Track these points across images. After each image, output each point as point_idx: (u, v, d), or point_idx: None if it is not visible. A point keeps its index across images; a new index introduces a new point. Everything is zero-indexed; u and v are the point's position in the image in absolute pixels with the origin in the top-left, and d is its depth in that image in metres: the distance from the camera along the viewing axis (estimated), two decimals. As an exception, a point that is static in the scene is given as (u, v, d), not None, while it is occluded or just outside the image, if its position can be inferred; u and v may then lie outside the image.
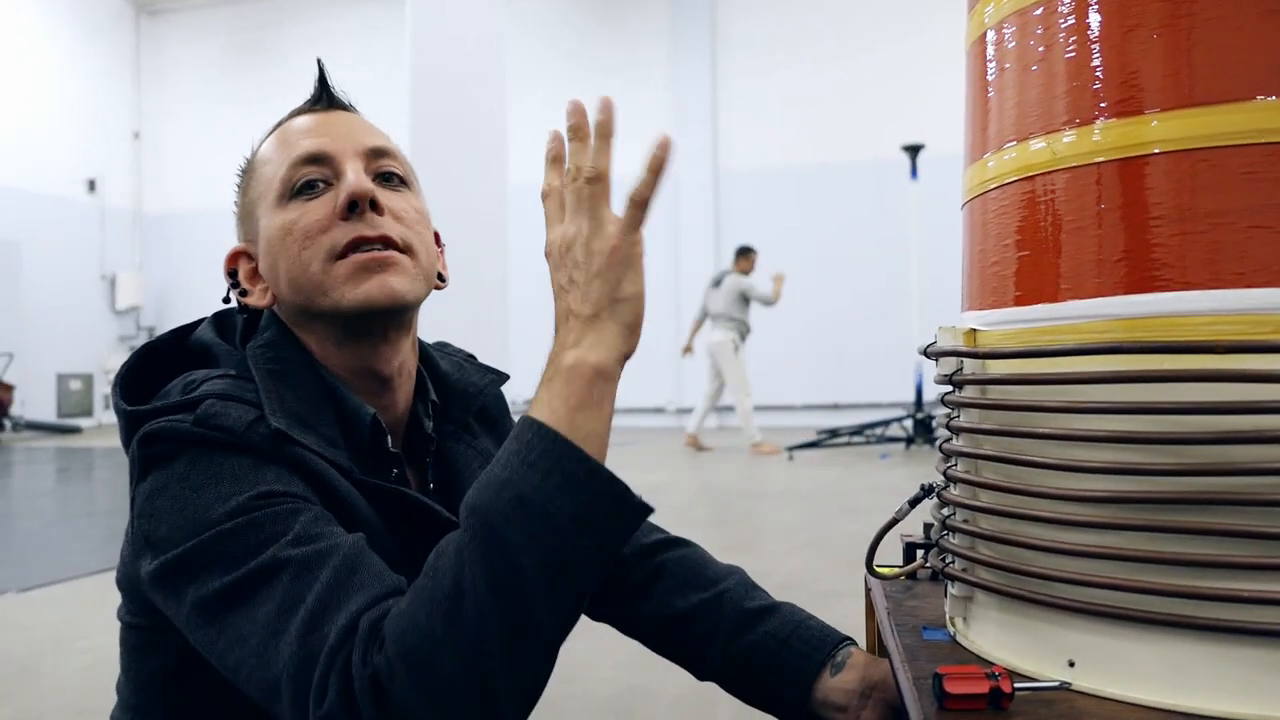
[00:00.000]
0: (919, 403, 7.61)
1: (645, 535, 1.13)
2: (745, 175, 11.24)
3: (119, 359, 13.91)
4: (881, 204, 10.16)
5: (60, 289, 13.57)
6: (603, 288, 0.69)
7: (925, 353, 0.87)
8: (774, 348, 10.70)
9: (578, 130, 0.72)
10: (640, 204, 0.70)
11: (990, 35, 0.83)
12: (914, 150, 7.64)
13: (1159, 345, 0.66)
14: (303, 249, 0.85)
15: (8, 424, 13.32)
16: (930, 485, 0.93)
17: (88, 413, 13.89)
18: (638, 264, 0.70)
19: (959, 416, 0.81)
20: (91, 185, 13.99)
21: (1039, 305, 0.75)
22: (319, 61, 0.97)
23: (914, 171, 7.69)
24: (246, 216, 0.93)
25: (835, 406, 10.47)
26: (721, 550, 1.23)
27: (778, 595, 1.07)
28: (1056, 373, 0.71)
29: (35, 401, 13.50)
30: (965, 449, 0.79)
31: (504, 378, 1.07)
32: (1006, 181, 0.79)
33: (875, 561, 0.97)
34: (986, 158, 0.83)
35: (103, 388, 14.13)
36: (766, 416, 10.67)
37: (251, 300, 0.92)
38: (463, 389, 1.01)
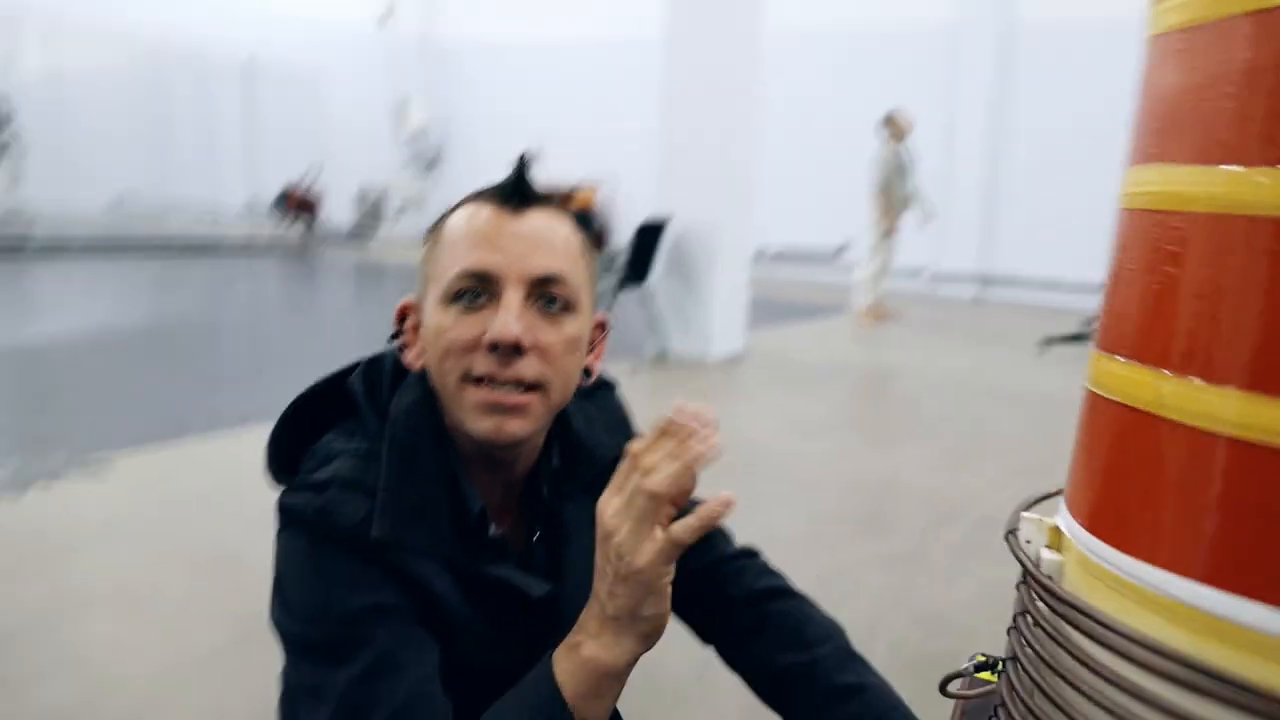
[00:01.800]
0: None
1: (756, 580, 1.12)
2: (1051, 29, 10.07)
3: (408, 179, 15.07)
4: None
5: (356, 113, 14.75)
6: (626, 600, 0.71)
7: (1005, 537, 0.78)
8: (1047, 216, 9.89)
9: (675, 432, 0.72)
10: (678, 544, 0.70)
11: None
12: None
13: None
14: (444, 359, 0.88)
15: (315, 229, 14.95)
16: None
17: (379, 225, 15.27)
18: (662, 591, 0.72)
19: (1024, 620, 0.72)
20: (384, 17, 14.83)
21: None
22: (522, 157, 0.96)
23: None
24: (422, 281, 0.96)
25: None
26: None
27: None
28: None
29: (336, 212, 15.02)
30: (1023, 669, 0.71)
31: (630, 437, 1.08)
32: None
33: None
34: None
35: (394, 203, 15.42)
36: (1036, 295, 10.01)
37: (407, 358, 0.96)
38: (589, 450, 1.03)
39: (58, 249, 11.14)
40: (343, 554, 0.85)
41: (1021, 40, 10.17)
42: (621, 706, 0.93)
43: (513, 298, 0.87)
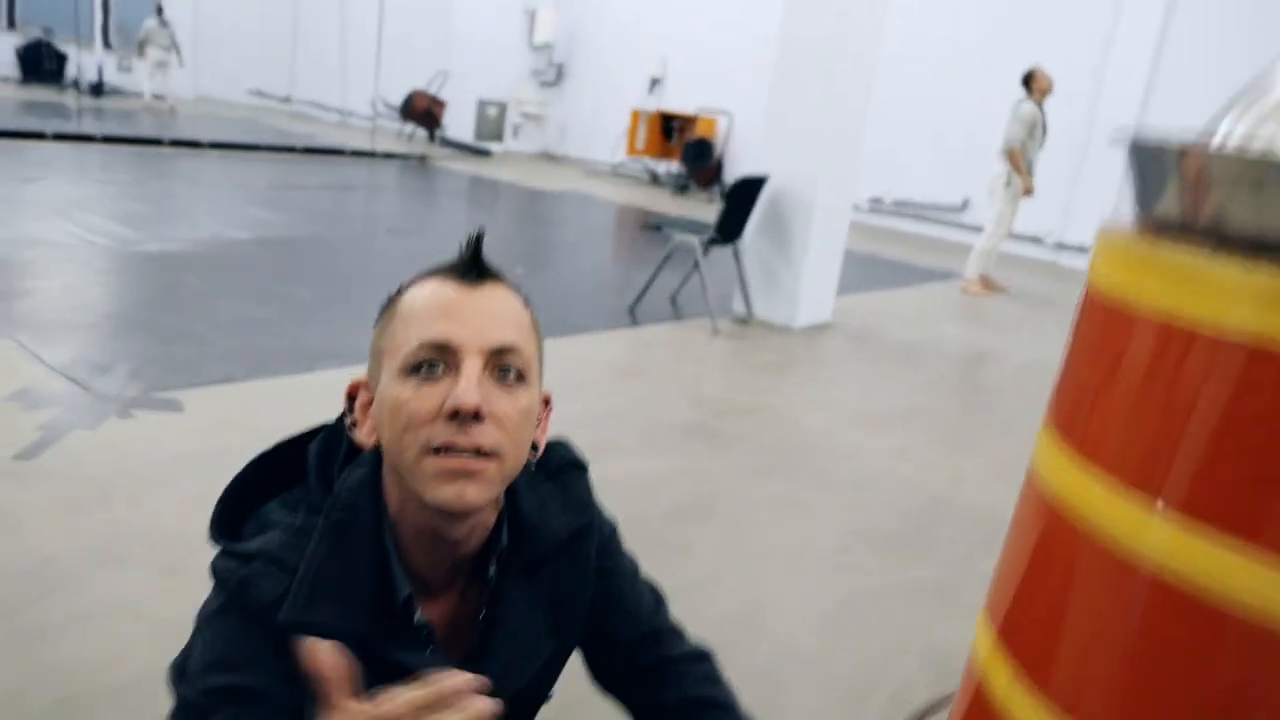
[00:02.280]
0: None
1: (695, 688, 1.17)
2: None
3: (530, 92, 15.06)
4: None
5: (484, 22, 14.73)
6: None
7: None
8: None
9: (433, 703, 0.70)
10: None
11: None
12: None
13: None
14: (404, 432, 0.91)
15: (437, 137, 15.16)
16: None
17: (498, 138, 15.37)
18: None
19: None
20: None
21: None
22: (478, 234, 0.97)
23: None
24: (375, 356, 0.99)
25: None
26: None
27: None
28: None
29: (457, 123, 15.16)
30: None
31: (587, 520, 1.09)
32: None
33: None
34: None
35: (514, 117, 15.47)
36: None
37: (358, 436, 1.00)
38: (536, 531, 1.05)
39: (190, 144, 11.63)
40: (247, 628, 0.90)
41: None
42: None
43: (472, 367, 0.90)
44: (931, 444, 3.94)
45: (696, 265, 5.58)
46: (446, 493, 0.89)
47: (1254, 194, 0.56)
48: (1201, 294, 0.58)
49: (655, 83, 14.38)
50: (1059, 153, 8.79)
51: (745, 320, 5.69)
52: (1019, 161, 7.47)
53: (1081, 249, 10.11)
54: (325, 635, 0.87)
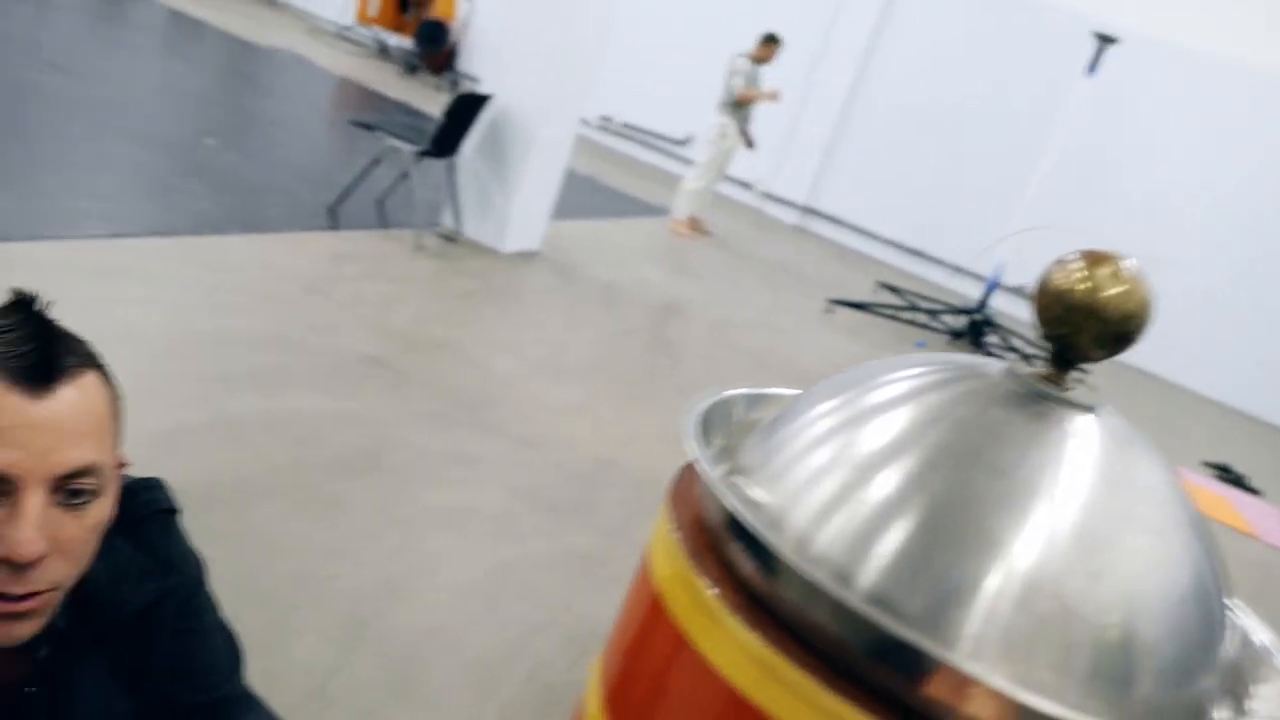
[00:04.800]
0: (983, 304, 7.23)
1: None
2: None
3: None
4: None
5: None
6: None
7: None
8: (880, 174, 10.12)
9: None
10: None
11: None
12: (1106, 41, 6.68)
13: None
14: None
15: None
16: None
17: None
18: None
19: None
20: None
21: None
22: (38, 314, 0.80)
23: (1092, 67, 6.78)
24: None
25: (919, 254, 10.01)
26: None
27: None
28: None
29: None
30: None
31: (166, 588, 0.98)
32: None
33: None
34: None
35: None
36: (851, 238, 10.32)
37: None
38: (103, 606, 0.93)
39: None
40: None
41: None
42: None
43: (33, 504, 0.75)
44: (609, 401, 4.06)
45: (406, 175, 5.31)
46: None
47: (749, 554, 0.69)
48: (712, 634, 0.72)
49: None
50: (778, 110, 9.23)
51: (452, 238, 5.53)
52: (754, 98, 7.75)
53: (786, 201, 10.78)
54: None
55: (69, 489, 0.78)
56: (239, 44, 10.17)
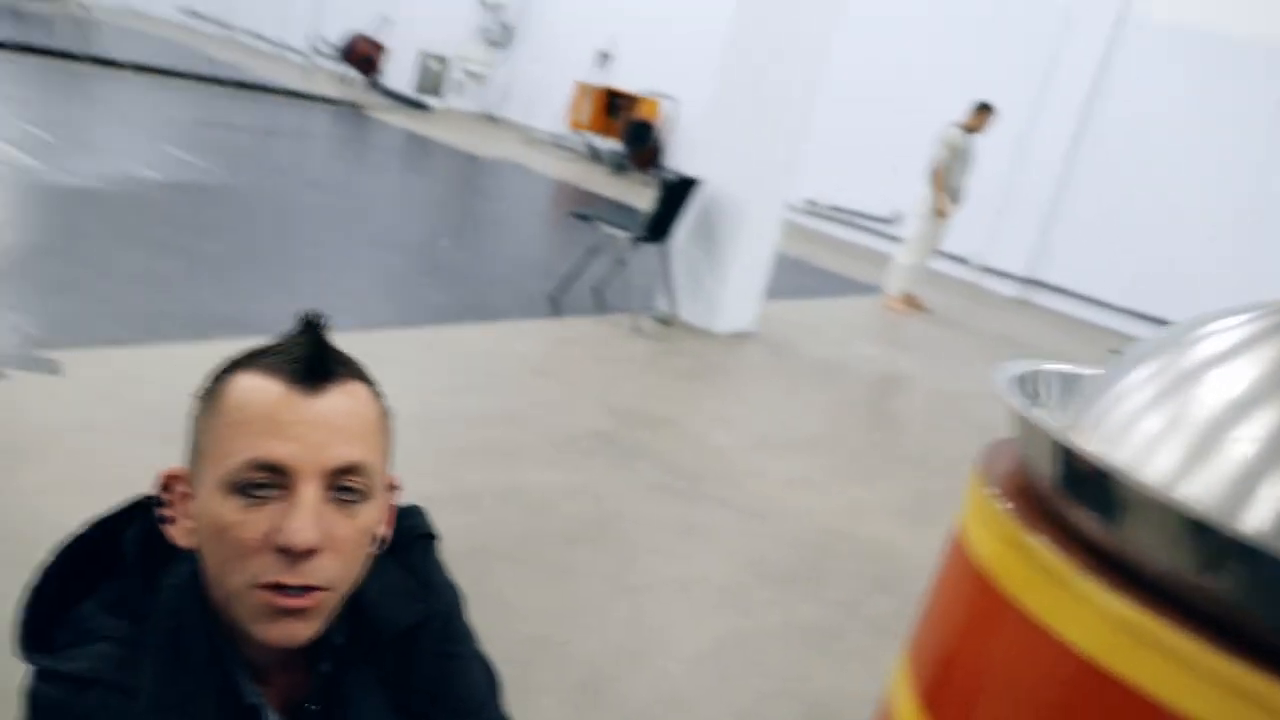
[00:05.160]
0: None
1: None
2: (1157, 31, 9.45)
3: (476, 50, 14.67)
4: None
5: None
6: None
7: None
8: (1104, 239, 9.53)
9: None
10: None
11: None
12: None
13: None
14: (227, 560, 0.81)
15: (374, 84, 14.69)
16: None
17: (438, 93, 14.97)
18: None
19: None
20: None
21: None
22: (315, 322, 0.85)
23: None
24: (195, 450, 0.86)
25: (1154, 320, 9.27)
26: None
27: None
28: None
29: (397, 73, 14.73)
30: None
31: (430, 610, 1.01)
32: None
33: None
34: None
35: (457, 73, 15.08)
36: (1074, 306, 9.74)
37: (174, 533, 0.88)
38: (375, 624, 0.97)
39: (109, 63, 11.01)
40: None
41: (1130, 46, 9.55)
42: None
43: (309, 494, 0.80)
44: (834, 474, 3.95)
45: (622, 262, 5.50)
46: (274, 633, 0.81)
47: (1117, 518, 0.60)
48: (1059, 603, 0.66)
49: (605, 57, 14.15)
50: (989, 180, 8.92)
51: (668, 321, 5.64)
52: (940, 183, 7.58)
53: (1003, 274, 10.34)
54: None
55: (340, 485, 0.82)
56: (465, 157, 11.03)
